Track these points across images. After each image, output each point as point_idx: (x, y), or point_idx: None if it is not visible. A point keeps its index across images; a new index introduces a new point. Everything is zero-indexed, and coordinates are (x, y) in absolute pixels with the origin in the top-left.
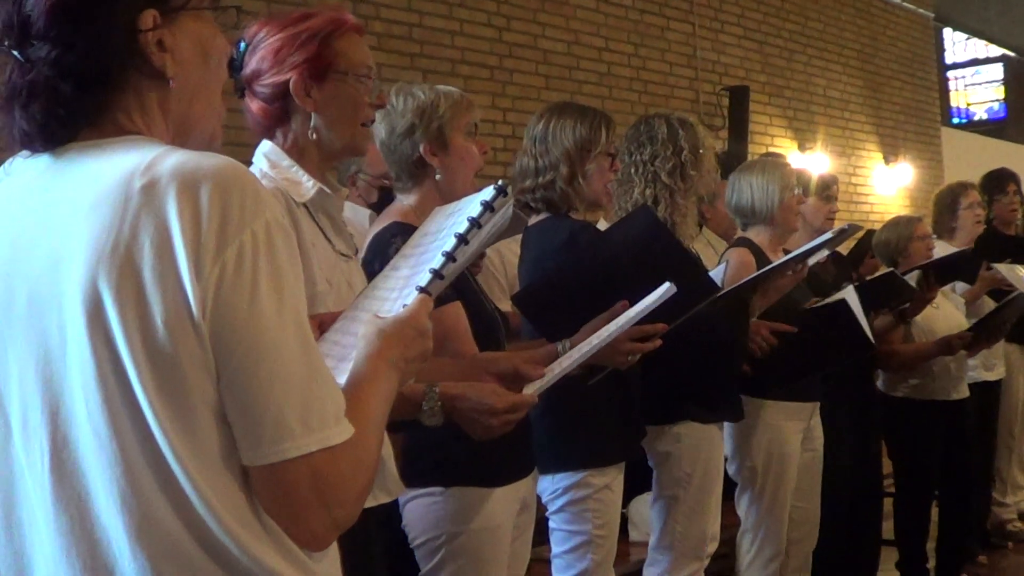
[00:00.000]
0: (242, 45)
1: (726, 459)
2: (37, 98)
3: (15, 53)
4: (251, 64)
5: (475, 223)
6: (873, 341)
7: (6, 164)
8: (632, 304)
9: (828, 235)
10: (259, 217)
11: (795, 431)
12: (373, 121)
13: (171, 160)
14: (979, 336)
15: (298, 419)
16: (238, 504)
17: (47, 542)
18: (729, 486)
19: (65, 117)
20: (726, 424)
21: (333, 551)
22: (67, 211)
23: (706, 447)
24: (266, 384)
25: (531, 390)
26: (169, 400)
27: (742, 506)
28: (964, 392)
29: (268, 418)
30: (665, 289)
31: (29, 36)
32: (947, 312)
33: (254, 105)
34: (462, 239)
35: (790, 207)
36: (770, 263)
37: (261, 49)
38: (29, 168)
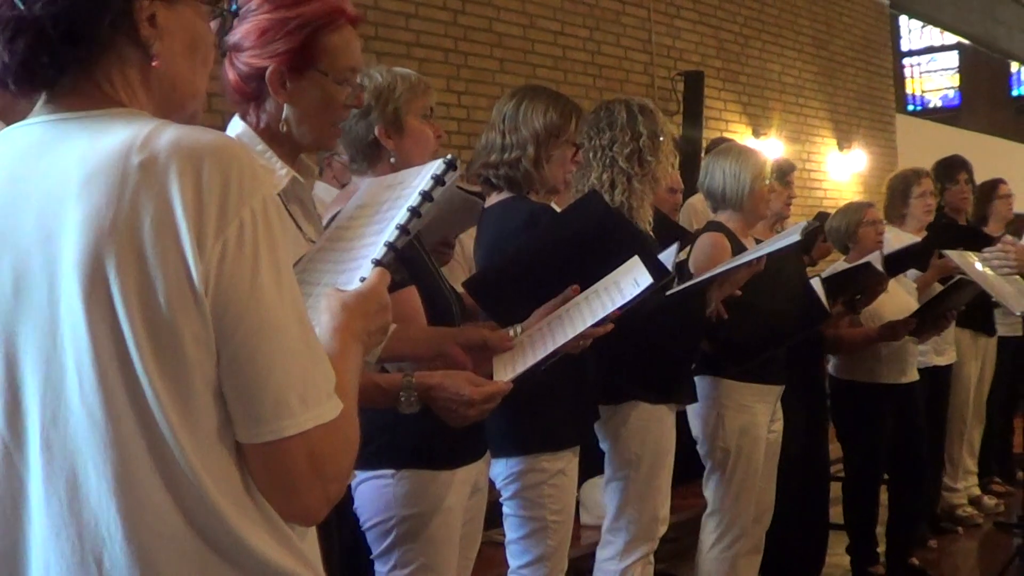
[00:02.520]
0: (233, 6)
1: (695, 441)
2: (23, 35)
3: None
4: (236, 33)
5: (427, 196)
6: (828, 309)
7: None
8: (583, 289)
9: (796, 237)
10: (257, 193)
11: (764, 413)
12: (345, 119)
13: (167, 136)
14: (924, 322)
15: (297, 396)
16: (232, 483)
17: (38, 522)
18: (696, 468)
19: (47, 63)
20: (696, 406)
21: (312, 530)
22: (58, 185)
23: (655, 428)
24: (268, 362)
25: (505, 376)
26: (169, 378)
27: (710, 488)
28: (913, 376)
29: (268, 396)
30: (646, 284)
31: None
32: (896, 297)
33: (231, 74)
34: (415, 212)
35: (760, 195)
36: (743, 247)
37: (248, 22)
38: (17, 139)
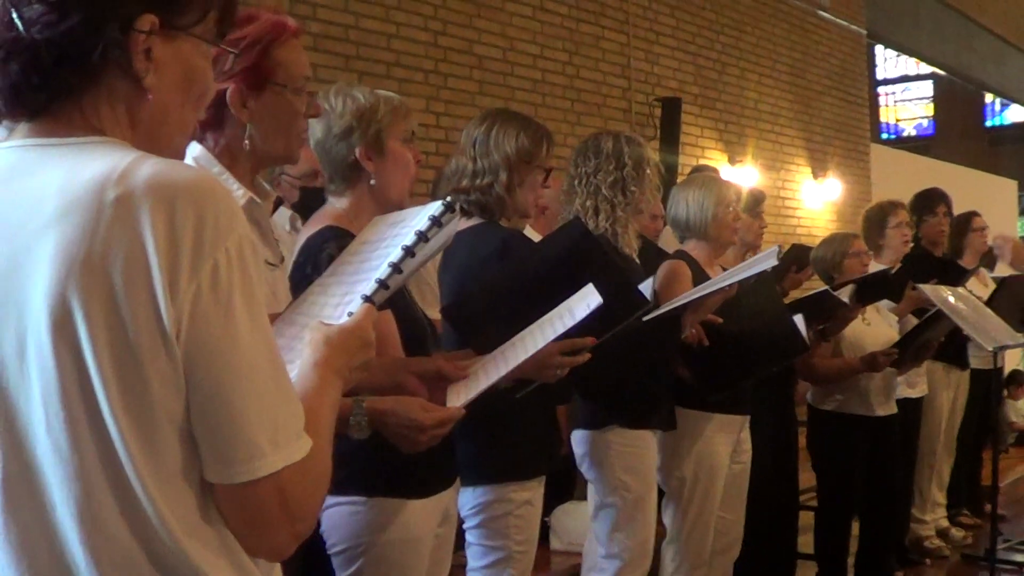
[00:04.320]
0: None
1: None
2: (17, 57)
3: (11, 8)
4: None
5: (423, 237)
6: (808, 344)
7: None
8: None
9: (773, 262)
10: (232, 234)
11: (725, 443)
12: (306, 129)
13: (144, 171)
14: (905, 354)
15: (267, 438)
16: (195, 522)
17: None
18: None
19: (39, 86)
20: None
21: (276, 564)
22: (31, 215)
23: (639, 453)
24: (240, 404)
25: (458, 402)
26: (134, 417)
27: (668, 516)
28: (892, 408)
29: (241, 438)
30: (596, 305)
31: None
32: (877, 328)
33: None
34: (409, 251)
35: (724, 223)
36: (706, 276)
37: None
38: None
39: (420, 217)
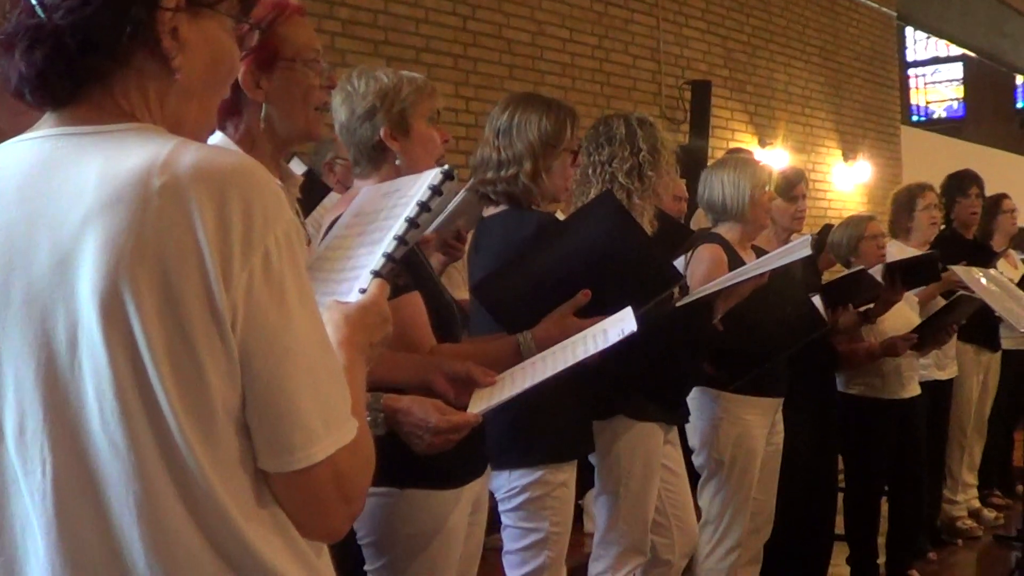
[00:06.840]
0: None
1: (692, 451)
2: (41, 45)
3: None
4: None
5: (424, 207)
6: (826, 319)
7: None
8: (594, 295)
9: (807, 251)
10: (280, 220)
11: (761, 426)
12: (327, 104)
13: (188, 158)
14: (925, 337)
15: (321, 421)
16: (253, 508)
17: (43, 551)
18: (691, 478)
19: (65, 72)
20: (693, 417)
21: (325, 546)
22: (74, 206)
23: (644, 443)
24: (297, 392)
25: (477, 408)
26: (192, 408)
27: (705, 497)
28: (915, 390)
29: (297, 424)
30: (630, 331)
31: None
32: (898, 311)
33: None
34: (412, 223)
35: (761, 204)
36: (740, 259)
37: None
38: (27, 153)
39: (419, 186)
